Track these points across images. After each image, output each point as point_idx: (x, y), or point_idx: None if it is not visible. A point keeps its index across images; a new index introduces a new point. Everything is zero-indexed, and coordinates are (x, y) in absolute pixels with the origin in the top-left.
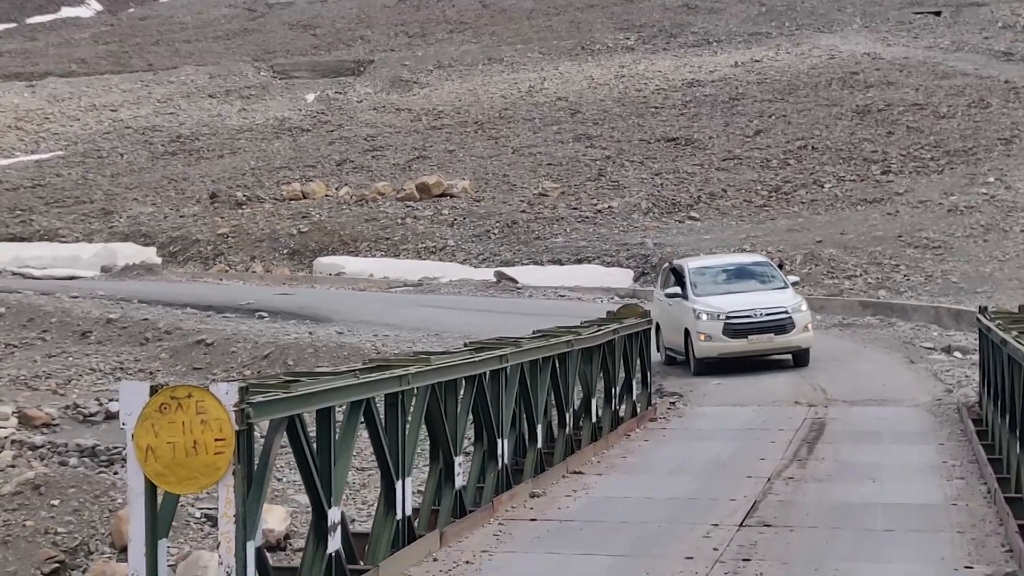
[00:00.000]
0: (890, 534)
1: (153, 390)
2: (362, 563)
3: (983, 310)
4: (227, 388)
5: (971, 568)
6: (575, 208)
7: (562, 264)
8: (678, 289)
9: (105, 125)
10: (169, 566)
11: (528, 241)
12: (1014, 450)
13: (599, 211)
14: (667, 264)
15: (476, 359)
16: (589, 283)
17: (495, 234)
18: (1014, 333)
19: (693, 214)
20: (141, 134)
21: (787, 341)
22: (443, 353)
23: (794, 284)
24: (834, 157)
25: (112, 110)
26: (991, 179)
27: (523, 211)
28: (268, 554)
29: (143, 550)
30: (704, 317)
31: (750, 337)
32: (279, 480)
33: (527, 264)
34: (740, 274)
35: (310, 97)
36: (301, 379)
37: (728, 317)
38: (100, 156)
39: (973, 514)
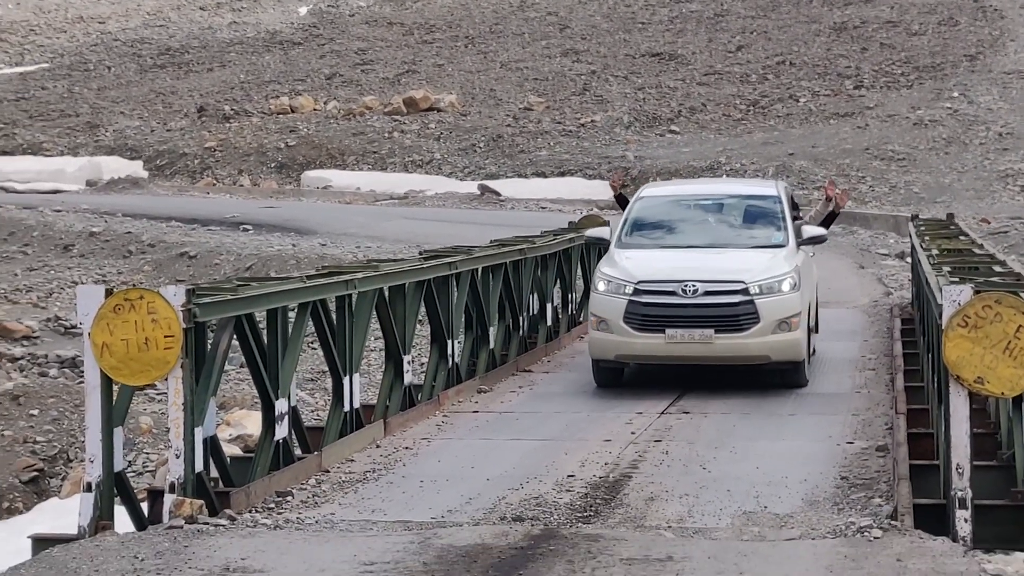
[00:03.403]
0: (792, 417)
1: (108, 292)
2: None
3: (914, 218)
4: (175, 290)
5: (852, 443)
6: (559, 122)
7: (545, 177)
8: (605, 231)
9: (92, 37)
10: (149, 471)
11: (513, 155)
12: (920, 344)
13: (582, 125)
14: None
15: (424, 266)
16: (571, 196)
17: (480, 148)
18: (926, 240)
19: (673, 128)
20: (129, 47)
21: (740, 346)
22: (394, 260)
23: (812, 240)
24: (810, 72)
25: (100, 22)
26: (955, 94)
27: (508, 125)
28: (246, 455)
29: (99, 436)
30: (601, 287)
31: (670, 332)
32: None
33: (511, 177)
34: (717, 213)
35: (303, 10)
36: (251, 283)
37: (636, 291)
38: (87, 69)
39: (871, 400)
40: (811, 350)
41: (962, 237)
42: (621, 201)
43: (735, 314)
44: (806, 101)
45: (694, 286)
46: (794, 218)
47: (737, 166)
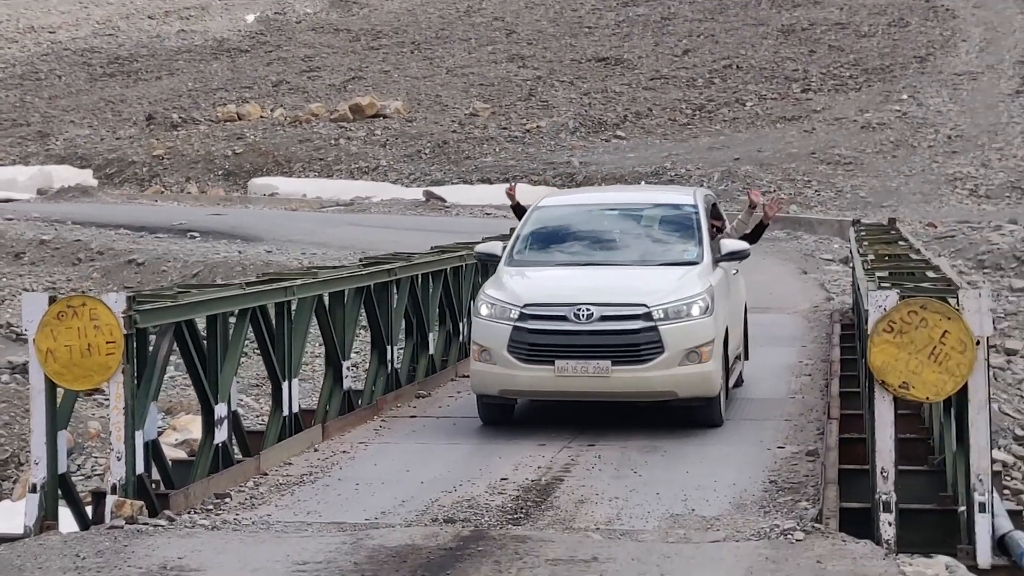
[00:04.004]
0: (725, 422)
1: (52, 300)
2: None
3: (855, 223)
4: (116, 297)
5: (782, 448)
6: (504, 128)
7: (491, 183)
8: (497, 247)
9: (43, 47)
10: (97, 475)
11: (458, 161)
12: (857, 349)
13: (528, 131)
14: None
15: (363, 273)
16: None
17: (426, 154)
18: (864, 245)
19: (619, 133)
20: (79, 56)
21: (641, 380)
22: (333, 267)
23: (733, 256)
24: (757, 76)
25: (50, 32)
26: (904, 96)
27: (454, 131)
28: (190, 458)
29: (44, 439)
30: (484, 311)
31: (560, 363)
32: None
33: (457, 183)
34: (624, 224)
35: (250, 18)
36: (191, 290)
37: (523, 316)
38: (38, 78)
39: (805, 405)
40: (734, 381)
41: (901, 242)
42: (518, 212)
43: (635, 343)
44: (752, 105)
45: (588, 310)
46: (718, 230)
47: (683, 171)
